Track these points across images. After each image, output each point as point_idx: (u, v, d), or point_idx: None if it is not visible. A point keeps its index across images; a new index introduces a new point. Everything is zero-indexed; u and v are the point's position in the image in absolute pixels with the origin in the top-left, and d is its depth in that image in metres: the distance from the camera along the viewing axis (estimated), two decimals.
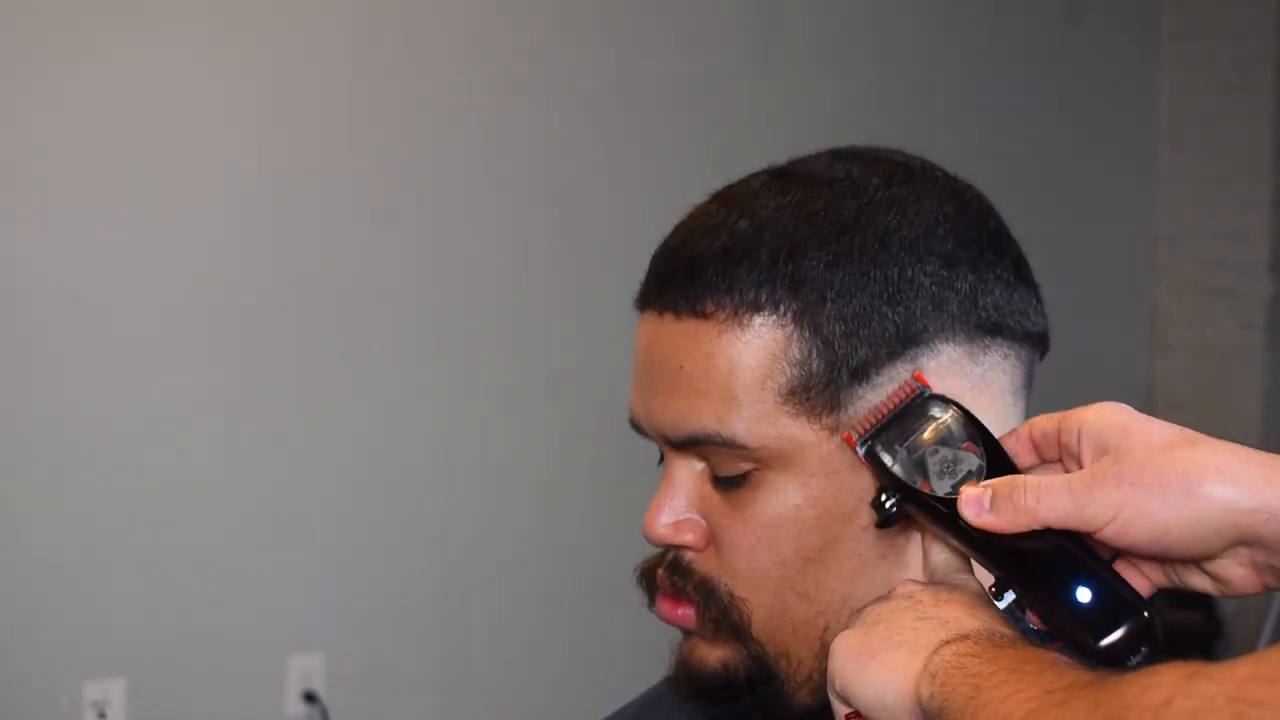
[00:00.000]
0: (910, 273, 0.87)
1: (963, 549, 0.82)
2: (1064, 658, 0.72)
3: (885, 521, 0.84)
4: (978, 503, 0.79)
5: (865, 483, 0.87)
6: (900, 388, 0.86)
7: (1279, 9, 3.88)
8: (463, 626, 3.34)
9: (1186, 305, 4.07)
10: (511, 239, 3.35)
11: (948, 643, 0.74)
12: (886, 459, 0.83)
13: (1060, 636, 0.78)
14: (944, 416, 0.84)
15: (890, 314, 0.87)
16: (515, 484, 3.36)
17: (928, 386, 0.85)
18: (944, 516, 0.81)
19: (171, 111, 3.04)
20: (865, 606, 0.82)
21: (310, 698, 3.18)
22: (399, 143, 3.24)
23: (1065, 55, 4.00)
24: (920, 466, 0.83)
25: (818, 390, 0.87)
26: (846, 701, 0.79)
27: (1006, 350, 0.90)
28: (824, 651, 0.88)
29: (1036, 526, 0.77)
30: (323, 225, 3.18)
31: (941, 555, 0.83)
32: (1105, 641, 0.76)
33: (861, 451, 0.85)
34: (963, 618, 0.77)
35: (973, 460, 0.82)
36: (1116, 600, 0.77)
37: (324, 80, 3.17)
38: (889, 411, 0.85)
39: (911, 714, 0.74)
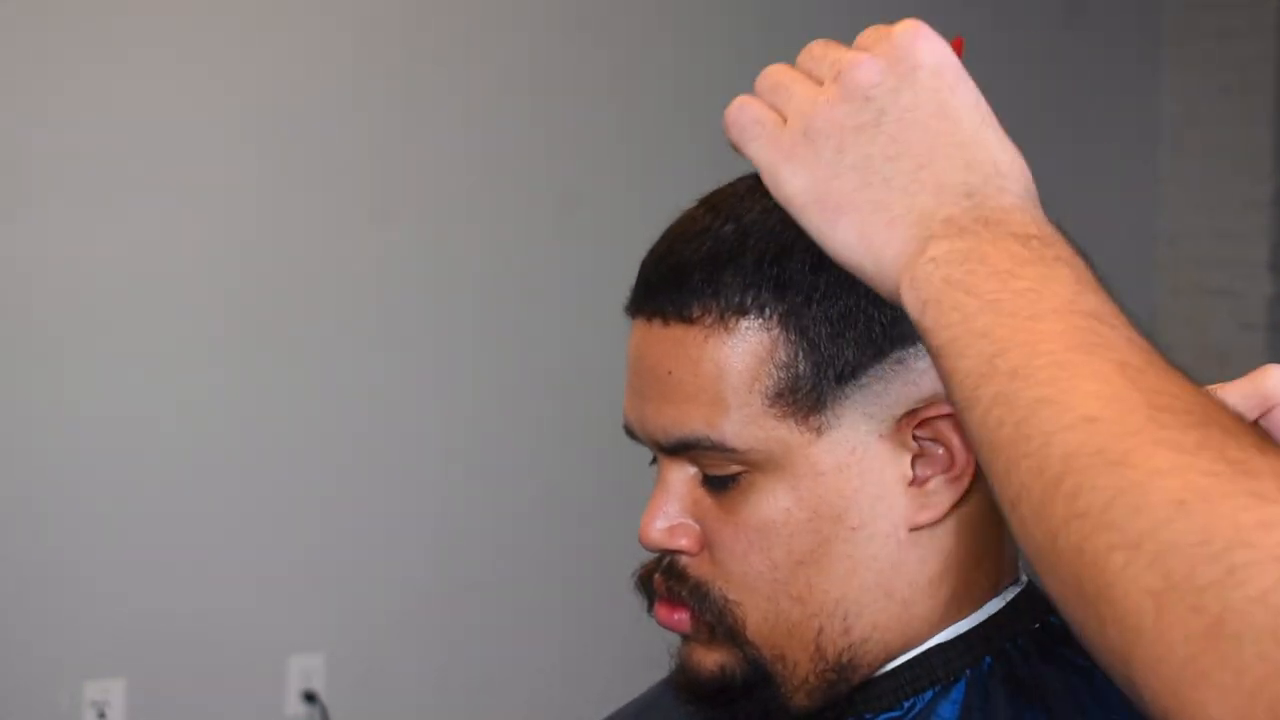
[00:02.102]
0: None
1: None
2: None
3: None
4: None
5: (853, 483, 0.87)
6: None
7: (1279, 9, 3.88)
8: (463, 627, 3.34)
9: (1186, 305, 4.07)
10: (510, 239, 3.35)
11: (933, 239, 0.68)
12: None
13: None
14: None
15: (876, 314, 0.86)
16: (515, 484, 3.36)
17: None
18: None
19: (171, 111, 3.04)
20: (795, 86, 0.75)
21: (310, 698, 3.18)
22: (398, 142, 3.25)
23: (1065, 55, 4.00)
24: None
25: (804, 392, 0.87)
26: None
27: None
28: (819, 654, 0.89)
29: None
30: (321, 225, 3.18)
31: None
32: None
33: None
34: (950, 177, 0.70)
35: None
36: None
37: (323, 80, 3.18)
38: None
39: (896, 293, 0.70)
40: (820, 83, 0.74)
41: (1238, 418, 0.58)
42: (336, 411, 3.21)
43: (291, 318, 3.17)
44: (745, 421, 0.87)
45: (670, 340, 0.89)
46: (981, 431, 0.62)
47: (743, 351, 0.87)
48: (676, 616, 0.92)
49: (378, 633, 3.26)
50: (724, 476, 0.89)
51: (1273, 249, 3.88)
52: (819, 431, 0.87)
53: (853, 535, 0.88)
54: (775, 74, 0.76)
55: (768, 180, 0.75)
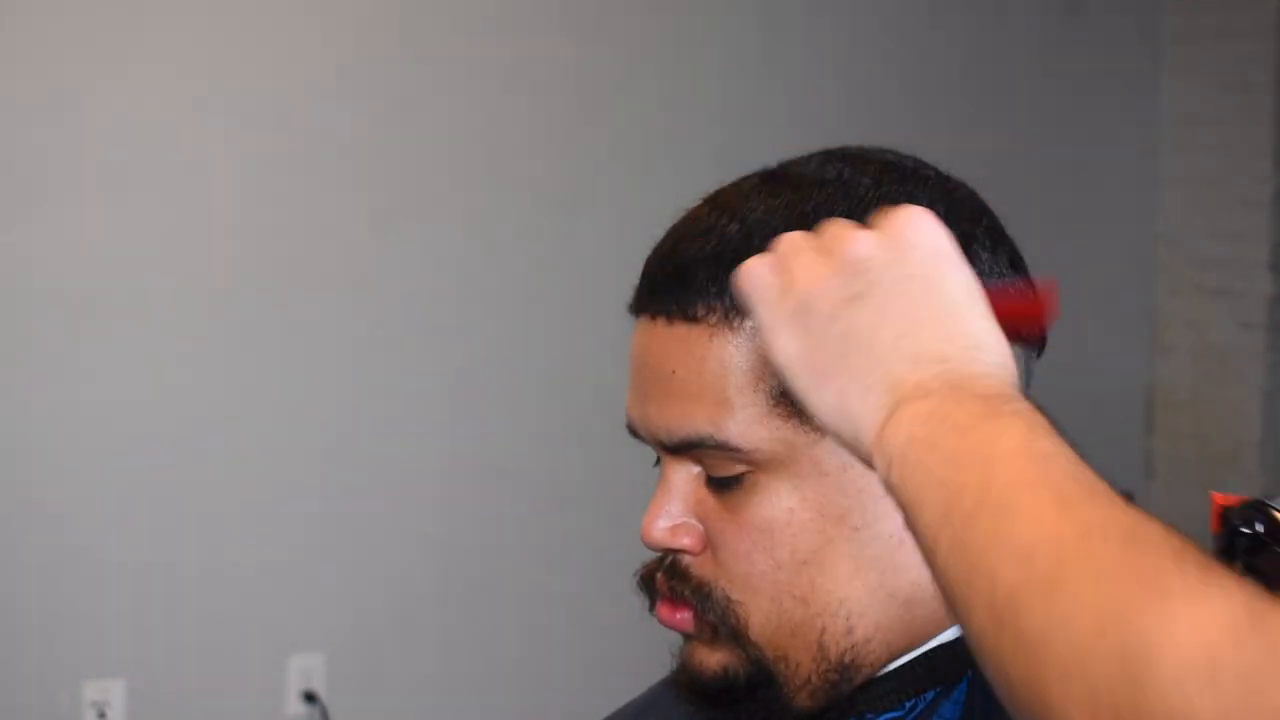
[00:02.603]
0: None
1: None
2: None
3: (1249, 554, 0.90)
4: None
5: (856, 483, 0.87)
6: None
7: (1279, 9, 3.88)
8: (463, 626, 3.34)
9: (1186, 305, 4.07)
10: (511, 239, 3.35)
11: (903, 403, 0.71)
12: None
13: None
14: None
15: None
16: (515, 484, 3.36)
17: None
18: None
19: (171, 111, 3.04)
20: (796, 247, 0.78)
21: (310, 698, 3.18)
22: (397, 143, 3.24)
23: (1065, 55, 4.00)
24: None
25: None
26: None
27: None
28: (822, 655, 0.88)
29: None
30: (321, 225, 3.18)
31: None
32: None
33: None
34: (927, 346, 0.72)
35: None
36: None
37: (322, 80, 3.17)
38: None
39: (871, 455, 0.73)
40: (828, 254, 0.77)
41: (1185, 538, 0.61)
42: (337, 411, 3.21)
43: (292, 317, 3.17)
44: (750, 421, 0.87)
45: (674, 339, 0.89)
46: (944, 577, 0.66)
47: (748, 351, 0.87)
48: (679, 616, 0.92)
49: (378, 633, 3.26)
50: (728, 477, 0.89)
51: (1273, 249, 3.88)
52: (823, 431, 0.87)
53: (856, 535, 0.88)
54: (792, 240, 0.79)
55: (767, 339, 0.78)
